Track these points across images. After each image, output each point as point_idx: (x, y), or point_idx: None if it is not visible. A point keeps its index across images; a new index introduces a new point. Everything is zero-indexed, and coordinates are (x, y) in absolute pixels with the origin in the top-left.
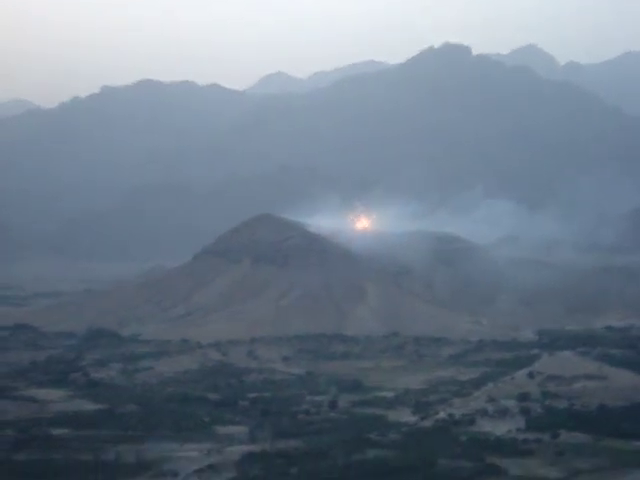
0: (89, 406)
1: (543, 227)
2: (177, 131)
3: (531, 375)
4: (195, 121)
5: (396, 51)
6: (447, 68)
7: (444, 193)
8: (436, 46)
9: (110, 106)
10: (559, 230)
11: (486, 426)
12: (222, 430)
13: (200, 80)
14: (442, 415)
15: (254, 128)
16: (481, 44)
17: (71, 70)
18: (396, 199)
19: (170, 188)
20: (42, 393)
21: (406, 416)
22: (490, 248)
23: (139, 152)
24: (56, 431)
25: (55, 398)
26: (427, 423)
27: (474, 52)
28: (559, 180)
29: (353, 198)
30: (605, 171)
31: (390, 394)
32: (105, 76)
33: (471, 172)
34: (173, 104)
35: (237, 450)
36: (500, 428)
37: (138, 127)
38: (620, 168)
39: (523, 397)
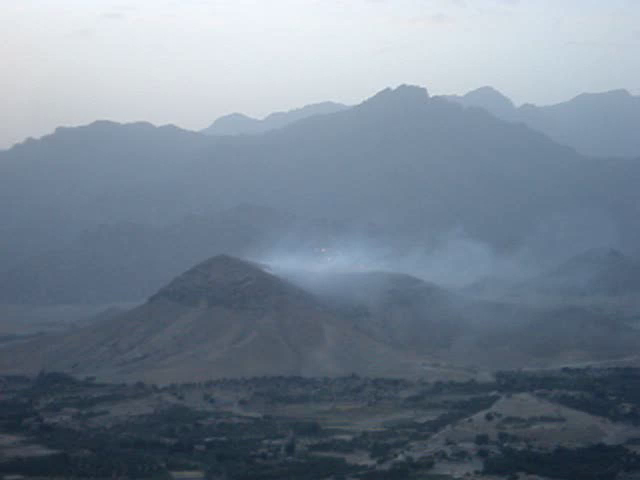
0: (43, 451)
1: (511, 270)
2: (133, 172)
3: (489, 417)
4: (151, 162)
5: (353, 93)
6: (403, 110)
7: (405, 235)
8: (393, 88)
9: (65, 147)
10: (527, 272)
11: (444, 469)
12: (178, 475)
13: (156, 121)
14: (400, 458)
15: (210, 169)
16: (437, 86)
17: (26, 111)
18: (356, 240)
19: (125, 229)
20: None
21: (364, 459)
22: (455, 290)
23: (94, 193)
24: (9, 477)
25: (8, 443)
26: (385, 466)
27: (430, 94)
28: (522, 222)
29: (310, 238)
30: (566, 213)
31: (348, 437)
32: (60, 117)
33: (433, 215)
34: (129, 145)
35: None
36: (458, 471)
37: (93, 168)
38: (578, 210)
39: (481, 439)
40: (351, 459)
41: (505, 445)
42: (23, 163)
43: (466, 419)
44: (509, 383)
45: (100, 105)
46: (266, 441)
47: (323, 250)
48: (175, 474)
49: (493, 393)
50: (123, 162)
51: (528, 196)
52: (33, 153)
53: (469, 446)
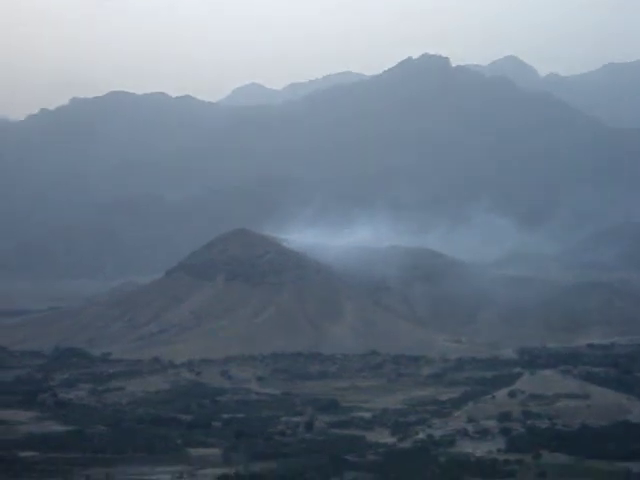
0: (58, 427)
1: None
2: (149, 144)
3: (512, 394)
4: (168, 133)
5: (374, 62)
6: (426, 79)
7: (429, 209)
8: (414, 57)
9: (80, 118)
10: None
11: (466, 447)
12: (195, 452)
13: (172, 92)
14: (421, 436)
15: (228, 140)
16: (460, 55)
17: (40, 81)
18: (379, 214)
19: (142, 202)
20: (9, 414)
21: (384, 437)
22: (479, 265)
23: (110, 165)
24: (24, 453)
25: (23, 419)
26: (406, 444)
27: (453, 63)
28: (548, 195)
29: (331, 212)
30: (592, 185)
31: (368, 414)
32: (75, 88)
33: (456, 187)
34: (145, 116)
35: (210, 473)
36: (480, 449)
37: (109, 140)
38: (605, 182)
39: (504, 417)
40: (371, 436)
41: (528, 422)
42: (37, 134)
43: (488, 396)
44: (533, 359)
45: (115, 75)
46: (284, 418)
47: (338, 221)
48: (192, 451)
49: (516, 370)
50: (139, 133)
51: (553, 167)
52: (47, 124)
53: (491, 424)
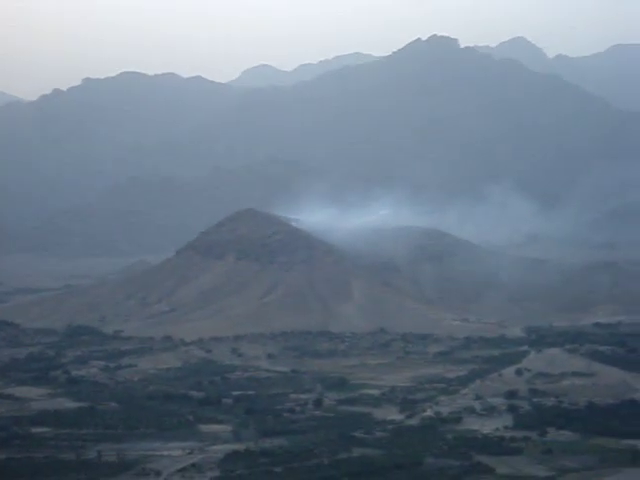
0: (70, 404)
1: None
2: (160, 124)
3: (519, 372)
4: (178, 114)
5: (383, 43)
6: (434, 60)
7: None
8: (423, 38)
9: (92, 99)
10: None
11: (473, 424)
12: (205, 429)
13: (183, 72)
14: (429, 413)
15: (238, 121)
16: (469, 36)
17: (52, 62)
18: (392, 194)
19: (153, 182)
20: (22, 391)
21: (392, 414)
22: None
23: (121, 145)
24: (36, 430)
25: (35, 396)
26: (414, 421)
27: (462, 44)
28: (559, 176)
29: (343, 192)
30: (604, 166)
31: (376, 392)
32: (87, 68)
33: (468, 169)
34: (156, 97)
35: (221, 449)
36: (487, 426)
37: (120, 120)
38: (615, 162)
39: (511, 395)
40: (379, 414)
41: (535, 400)
42: (50, 114)
43: (496, 374)
44: (539, 338)
45: (127, 56)
46: (294, 395)
47: (348, 202)
48: (202, 427)
49: (523, 348)
50: (151, 113)
51: (564, 149)
52: (60, 104)
53: (498, 401)
